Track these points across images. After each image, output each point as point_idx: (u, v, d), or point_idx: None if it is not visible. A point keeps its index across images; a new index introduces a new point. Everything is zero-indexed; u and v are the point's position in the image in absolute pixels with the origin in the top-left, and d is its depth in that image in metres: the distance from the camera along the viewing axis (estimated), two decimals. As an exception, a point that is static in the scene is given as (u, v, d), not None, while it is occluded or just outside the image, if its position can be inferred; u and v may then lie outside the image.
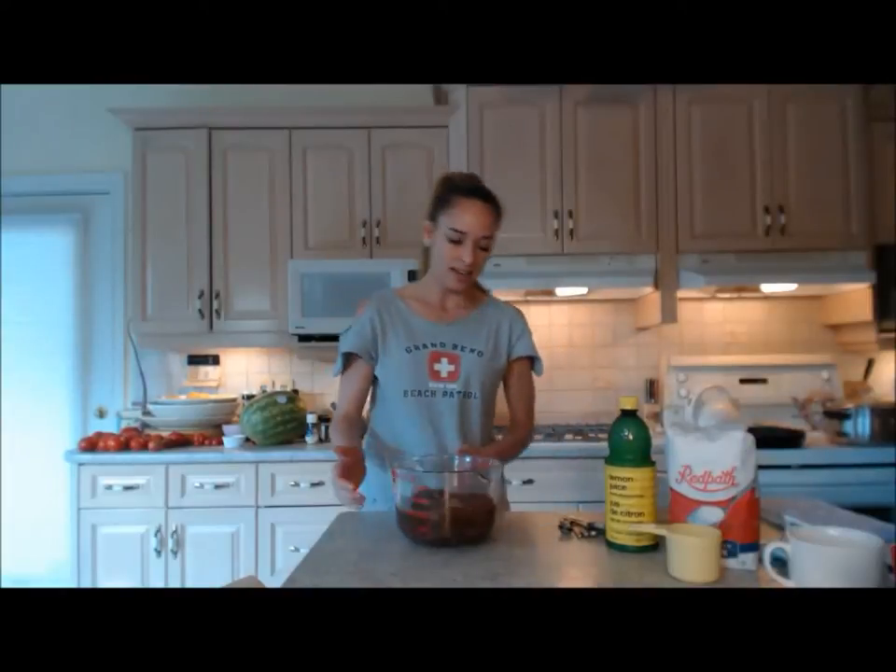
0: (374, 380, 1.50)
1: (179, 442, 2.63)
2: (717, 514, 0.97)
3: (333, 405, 2.94)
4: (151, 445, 2.51)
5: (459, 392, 1.43)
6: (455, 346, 1.45)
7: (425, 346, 1.44)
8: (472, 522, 1.09)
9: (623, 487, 1.05)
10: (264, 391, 2.88)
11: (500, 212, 1.43)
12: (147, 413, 2.79)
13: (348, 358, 1.47)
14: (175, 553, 2.47)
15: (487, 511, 1.11)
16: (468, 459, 1.22)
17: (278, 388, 2.91)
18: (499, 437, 1.52)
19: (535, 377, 1.57)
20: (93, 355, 3.13)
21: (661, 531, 0.97)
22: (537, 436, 2.61)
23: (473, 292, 1.55)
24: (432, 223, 1.46)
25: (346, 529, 1.22)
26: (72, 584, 2.48)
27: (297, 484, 2.48)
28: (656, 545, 1.05)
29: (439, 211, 1.43)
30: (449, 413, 1.42)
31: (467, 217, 1.38)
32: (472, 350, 1.46)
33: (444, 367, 1.43)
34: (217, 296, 2.77)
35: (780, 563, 0.87)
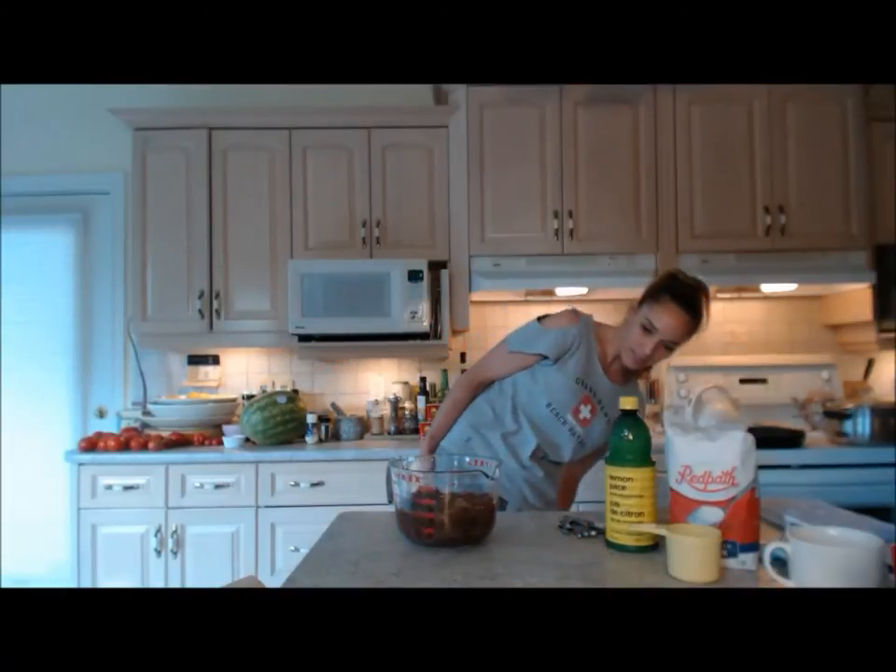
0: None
1: (179, 442, 2.63)
2: (717, 514, 0.96)
3: (333, 405, 2.94)
4: (151, 445, 2.51)
5: (580, 435, 1.58)
6: (600, 402, 1.58)
7: (586, 387, 1.57)
8: (477, 521, 1.09)
9: (623, 487, 1.05)
10: (264, 391, 2.88)
11: (698, 327, 1.49)
12: (147, 413, 2.79)
13: (527, 354, 1.59)
14: (174, 553, 2.47)
15: (490, 510, 1.11)
16: (467, 459, 1.23)
17: (278, 388, 2.91)
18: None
19: None
20: (93, 355, 3.13)
21: (661, 531, 0.97)
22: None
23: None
24: (638, 305, 1.53)
25: (346, 529, 1.22)
26: (72, 584, 2.48)
27: (297, 484, 2.48)
28: (656, 545, 1.05)
29: (647, 299, 1.50)
30: (565, 442, 1.58)
31: (665, 318, 1.45)
32: (606, 413, 1.58)
33: (585, 412, 1.57)
34: (217, 296, 2.77)
35: (780, 563, 0.87)
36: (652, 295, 1.49)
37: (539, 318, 1.63)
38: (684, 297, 1.45)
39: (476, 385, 1.67)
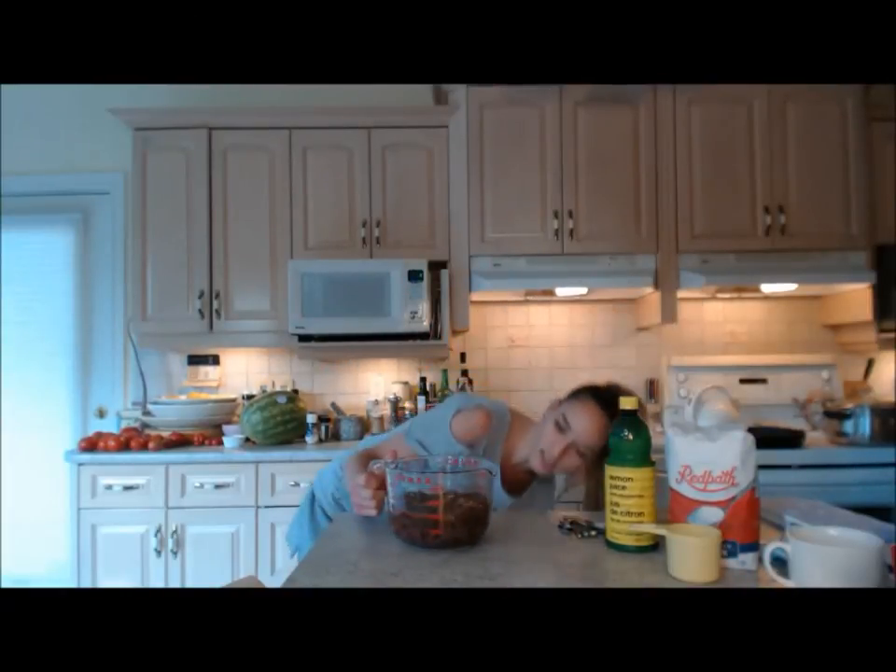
0: None
1: (179, 442, 2.63)
2: (717, 514, 0.96)
3: (333, 405, 2.94)
4: (151, 445, 2.51)
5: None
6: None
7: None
8: (480, 521, 1.09)
9: (623, 487, 1.05)
10: (264, 391, 2.88)
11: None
12: (147, 413, 2.79)
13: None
14: (174, 553, 2.47)
15: (486, 508, 1.11)
16: (461, 459, 1.22)
17: (278, 388, 2.91)
18: None
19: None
20: (93, 355, 3.13)
21: (661, 531, 0.97)
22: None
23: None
24: (558, 404, 1.43)
25: (346, 529, 1.22)
26: (72, 584, 2.48)
27: (297, 484, 2.48)
28: (656, 545, 1.05)
29: (568, 397, 1.43)
30: None
31: (582, 415, 1.36)
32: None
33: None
34: (217, 296, 2.77)
35: (780, 563, 0.87)
36: (574, 393, 1.42)
37: (455, 413, 1.47)
38: (604, 399, 1.36)
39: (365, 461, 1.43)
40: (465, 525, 1.07)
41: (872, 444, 2.41)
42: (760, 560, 0.93)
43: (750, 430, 0.99)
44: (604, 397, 1.37)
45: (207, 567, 2.47)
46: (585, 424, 1.35)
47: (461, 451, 1.40)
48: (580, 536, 1.14)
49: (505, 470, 1.45)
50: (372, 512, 1.21)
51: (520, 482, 1.49)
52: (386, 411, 2.93)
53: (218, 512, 2.48)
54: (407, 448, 1.44)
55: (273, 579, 2.41)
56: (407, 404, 2.92)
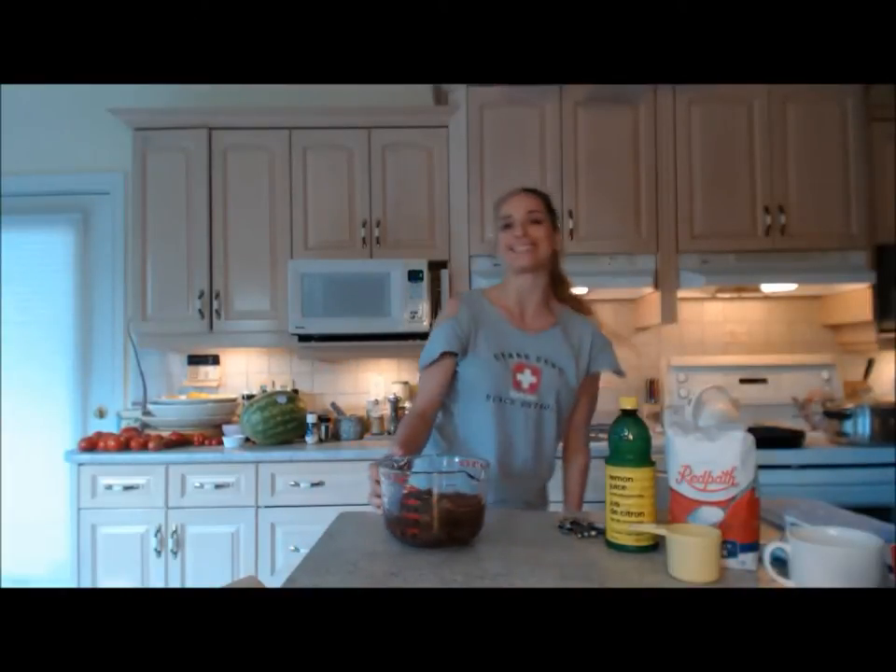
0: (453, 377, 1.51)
1: (179, 442, 2.63)
2: (717, 514, 0.96)
3: (333, 405, 2.94)
4: (151, 445, 2.51)
5: (537, 404, 1.48)
6: (538, 359, 1.49)
7: (511, 356, 1.48)
8: (462, 522, 1.07)
9: (623, 487, 1.05)
10: (264, 391, 2.88)
11: (547, 199, 1.54)
12: (147, 413, 2.79)
13: (440, 355, 1.49)
14: (175, 553, 2.47)
15: (477, 511, 1.10)
16: (456, 459, 1.21)
17: (278, 388, 2.91)
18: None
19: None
20: (93, 355, 3.13)
21: (661, 531, 0.97)
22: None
23: (549, 302, 1.58)
24: (495, 236, 1.56)
25: (346, 529, 1.22)
26: (72, 584, 2.48)
27: (297, 484, 2.48)
28: (656, 545, 1.05)
29: (496, 222, 1.55)
30: (524, 424, 1.48)
31: (512, 201, 1.51)
32: (554, 366, 1.50)
33: (527, 378, 1.47)
34: (217, 296, 2.77)
35: (780, 563, 0.87)
36: (495, 214, 1.56)
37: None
38: (513, 190, 1.55)
39: (424, 422, 1.45)
40: (443, 527, 1.05)
41: (872, 444, 2.41)
42: (760, 560, 0.93)
43: (750, 430, 0.99)
44: (511, 191, 1.54)
45: (207, 566, 2.47)
46: (518, 202, 1.50)
47: (460, 340, 1.47)
48: (580, 536, 1.14)
49: (520, 323, 1.53)
50: (376, 500, 1.17)
51: (542, 315, 1.55)
52: (386, 411, 2.93)
53: (218, 512, 2.48)
54: (424, 377, 1.51)
55: (273, 579, 2.41)
56: (407, 404, 2.92)
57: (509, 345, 1.49)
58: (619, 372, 1.64)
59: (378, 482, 1.13)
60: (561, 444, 1.63)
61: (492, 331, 1.50)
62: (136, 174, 2.80)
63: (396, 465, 1.17)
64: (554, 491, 2.51)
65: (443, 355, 1.47)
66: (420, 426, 1.43)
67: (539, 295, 1.54)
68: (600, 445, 2.44)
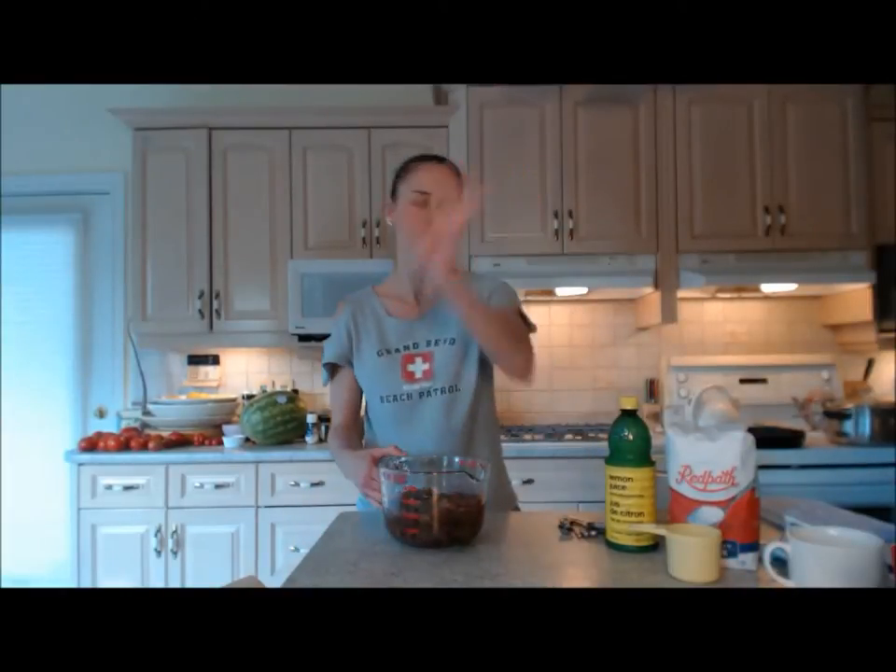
0: None
1: (179, 442, 2.63)
2: (717, 514, 0.96)
3: (333, 405, 2.94)
4: (151, 445, 2.51)
5: (436, 389, 1.34)
6: (428, 343, 1.37)
7: (397, 350, 1.38)
8: (462, 522, 1.07)
9: (623, 487, 1.05)
10: (264, 391, 2.87)
11: (456, 170, 1.37)
12: (147, 412, 2.79)
13: (332, 368, 1.45)
14: (175, 553, 2.47)
15: (477, 510, 1.10)
16: (456, 460, 1.20)
17: (278, 388, 2.91)
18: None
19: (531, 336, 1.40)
20: (93, 355, 3.13)
21: (661, 531, 0.97)
22: (537, 436, 2.61)
23: None
24: (392, 201, 1.40)
25: (346, 529, 1.22)
26: (72, 584, 2.48)
27: (297, 484, 2.48)
28: (656, 545, 1.05)
29: (398, 182, 1.38)
30: (429, 413, 1.35)
31: (423, 174, 1.33)
32: (444, 340, 1.36)
33: (419, 367, 1.36)
34: (217, 296, 2.77)
35: (780, 563, 0.87)
36: (401, 175, 1.38)
37: None
38: (423, 156, 1.38)
39: (347, 431, 1.40)
40: (443, 527, 1.05)
41: (872, 444, 2.40)
42: (760, 560, 0.93)
43: (750, 430, 0.99)
44: (423, 156, 1.38)
45: (207, 566, 2.47)
46: (432, 174, 1.33)
47: (342, 349, 1.41)
48: (580, 536, 1.14)
49: (406, 312, 1.42)
50: (377, 495, 1.15)
51: (430, 298, 1.39)
52: (386, 411, 2.92)
53: (218, 512, 2.48)
54: (330, 390, 1.46)
55: (273, 579, 2.41)
56: (407, 404, 2.92)
57: (393, 340, 1.39)
58: (524, 318, 1.39)
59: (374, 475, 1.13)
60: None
61: (375, 330, 1.41)
62: (136, 174, 2.80)
63: (395, 465, 1.17)
64: (546, 491, 2.51)
65: (335, 367, 1.44)
66: (349, 437, 1.37)
67: None
68: (600, 445, 2.45)
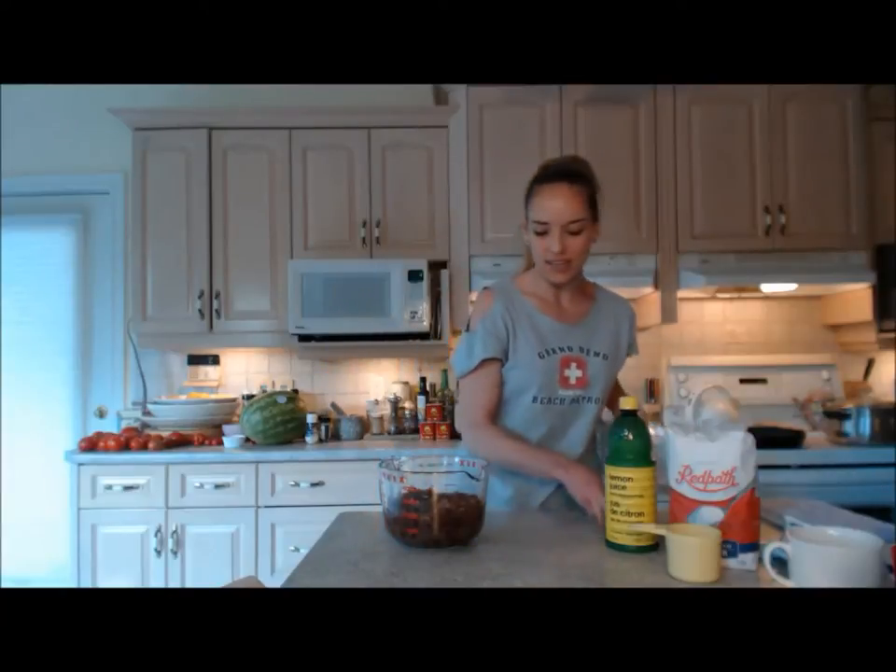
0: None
1: (179, 442, 2.63)
2: (717, 514, 0.96)
3: (333, 405, 2.94)
4: (151, 445, 2.51)
5: (589, 398, 1.40)
6: (581, 350, 1.40)
7: (555, 351, 1.39)
8: (461, 522, 1.07)
9: (623, 487, 1.05)
10: (264, 391, 2.88)
11: (591, 188, 1.37)
12: (147, 412, 2.79)
13: (482, 361, 1.39)
14: (175, 553, 2.47)
15: (477, 510, 1.10)
16: (456, 460, 1.20)
17: (278, 388, 2.91)
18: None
19: None
20: (93, 355, 3.13)
21: (661, 531, 0.97)
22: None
23: (583, 284, 1.50)
24: (525, 218, 1.41)
25: (346, 529, 1.22)
26: (72, 584, 2.48)
27: (297, 484, 2.48)
28: (656, 545, 1.05)
29: (526, 205, 1.39)
30: (582, 420, 1.41)
31: (546, 203, 1.33)
32: (597, 354, 1.41)
33: (573, 373, 1.39)
34: (217, 296, 2.77)
35: (780, 563, 0.87)
36: (528, 197, 1.38)
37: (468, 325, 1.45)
38: (553, 174, 1.34)
39: (504, 429, 1.40)
40: (443, 527, 1.05)
41: (872, 444, 2.40)
42: (760, 560, 0.93)
43: (750, 430, 0.99)
44: (552, 174, 1.35)
45: (207, 567, 2.47)
46: (554, 204, 1.32)
47: (500, 342, 1.38)
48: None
49: (557, 314, 1.43)
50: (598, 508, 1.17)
51: (576, 301, 1.46)
52: (386, 411, 2.93)
53: (218, 512, 2.48)
54: (465, 386, 1.42)
55: (273, 579, 2.41)
56: (407, 404, 2.92)
57: (550, 340, 1.39)
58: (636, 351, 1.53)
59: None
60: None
61: (530, 328, 1.39)
62: (136, 174, 2.80)
63: (397, 464, 1.17)
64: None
65: (485, 360, 1.38)
66: (514, 435, 1.38)
67: (575, 283, 1.45)
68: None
